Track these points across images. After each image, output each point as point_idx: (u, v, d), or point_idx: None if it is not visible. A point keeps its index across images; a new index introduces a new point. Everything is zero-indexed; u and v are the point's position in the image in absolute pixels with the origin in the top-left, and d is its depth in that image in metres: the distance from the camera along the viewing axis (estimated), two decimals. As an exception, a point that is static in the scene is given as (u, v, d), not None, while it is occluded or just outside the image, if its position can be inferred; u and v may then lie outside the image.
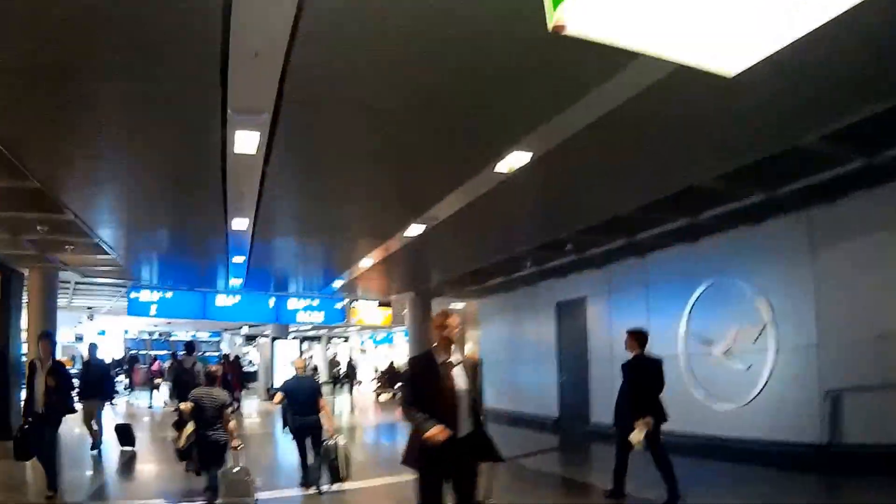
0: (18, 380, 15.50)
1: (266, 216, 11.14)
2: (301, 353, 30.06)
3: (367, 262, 15.64)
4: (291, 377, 10.67)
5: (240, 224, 11.51)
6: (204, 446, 8.87)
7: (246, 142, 7.46)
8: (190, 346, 18.24)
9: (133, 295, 19.46)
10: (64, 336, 35.15)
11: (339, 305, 22.21)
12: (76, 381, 13.15)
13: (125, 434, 13.96)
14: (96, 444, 13.53)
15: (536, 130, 7.33)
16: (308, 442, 10.19)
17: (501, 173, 8.52)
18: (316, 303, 21.77)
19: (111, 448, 13.78)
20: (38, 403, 9.62)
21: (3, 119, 7.21)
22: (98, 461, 13.00)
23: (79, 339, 38.07)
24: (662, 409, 8.97)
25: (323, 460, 9.70)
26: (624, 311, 14.97)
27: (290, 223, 12.66)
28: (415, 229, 12.03)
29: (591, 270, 16.41)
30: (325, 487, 9.81)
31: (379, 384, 34.38)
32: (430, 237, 12.48)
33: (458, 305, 25.69)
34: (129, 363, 35.66)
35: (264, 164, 8.29)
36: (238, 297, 20.68)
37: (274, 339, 29.00)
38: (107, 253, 14.58)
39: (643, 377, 9.12)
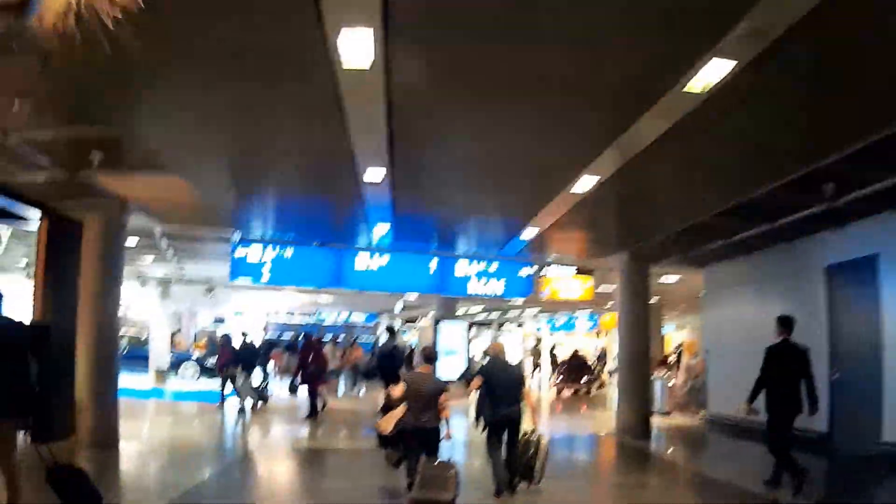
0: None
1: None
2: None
3: (570, 194, 10.54)
4: (489, 361, 9.93)
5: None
6: (414, 434, 8.43)
7: None
8: (391, 330, 17.55)
9: (238, 253, 14.69)
10: (203, 319, 32.29)
11: (524, 272, 16.63)
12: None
13: None
14: None
15: None
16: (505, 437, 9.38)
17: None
18: (494, 268, 16.28)
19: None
20: None
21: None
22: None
23: (219, 321, 35.01)
24: (798, 401, 9.33)
25: (518, 457, 9.17)
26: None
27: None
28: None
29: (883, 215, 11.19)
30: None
31: (560, 377, 29.22)
32: (670, 145, 8.06)
33: (672, 279, 20.34)
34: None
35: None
36: (386, 258, 15.54)
37: (438, 320, 24.24)
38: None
39: (784, 366, 9.48)
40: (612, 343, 39.07)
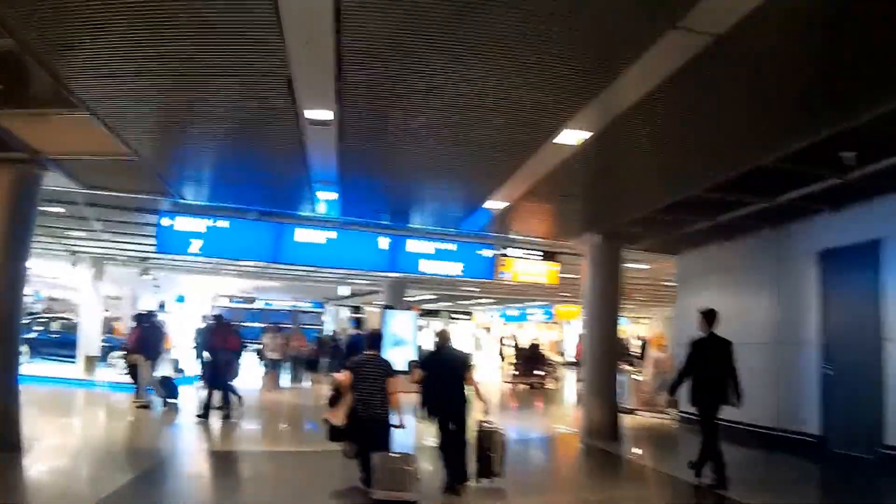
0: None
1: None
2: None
3: (545, 155, 9.10)
4: (435, 349, 9.62)
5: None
6: (361, 424, 8.20)
7: None
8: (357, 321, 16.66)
9: (166, 222, 12.95)
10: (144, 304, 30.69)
11: (485, 253, 15.03)
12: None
13: None
14: None
15: None
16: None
17: None
18: (452, 247, 14.73)
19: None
20: None
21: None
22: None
23: (161, 307, 33.17)
24: (724, 393, 9.50)
25: (467, 451, 8.98)
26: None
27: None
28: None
29: (886, 197, 10.43)
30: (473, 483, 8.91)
31: (516, 370, 28.05)
32: (664, 101, 7.07)
33: (635, 267, 19.10)
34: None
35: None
36: (333, 233, 13.93)
37: (386, 307, 22.72)
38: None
39: (709, 358, 9.68)
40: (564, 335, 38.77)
